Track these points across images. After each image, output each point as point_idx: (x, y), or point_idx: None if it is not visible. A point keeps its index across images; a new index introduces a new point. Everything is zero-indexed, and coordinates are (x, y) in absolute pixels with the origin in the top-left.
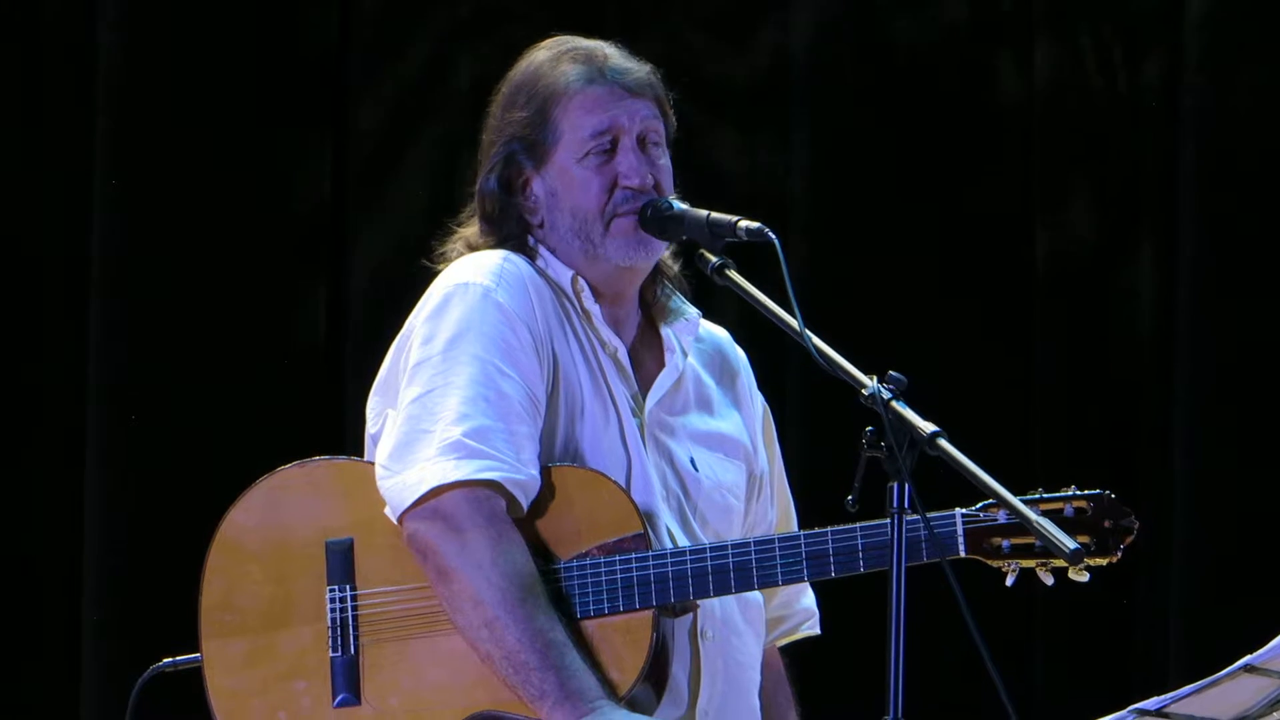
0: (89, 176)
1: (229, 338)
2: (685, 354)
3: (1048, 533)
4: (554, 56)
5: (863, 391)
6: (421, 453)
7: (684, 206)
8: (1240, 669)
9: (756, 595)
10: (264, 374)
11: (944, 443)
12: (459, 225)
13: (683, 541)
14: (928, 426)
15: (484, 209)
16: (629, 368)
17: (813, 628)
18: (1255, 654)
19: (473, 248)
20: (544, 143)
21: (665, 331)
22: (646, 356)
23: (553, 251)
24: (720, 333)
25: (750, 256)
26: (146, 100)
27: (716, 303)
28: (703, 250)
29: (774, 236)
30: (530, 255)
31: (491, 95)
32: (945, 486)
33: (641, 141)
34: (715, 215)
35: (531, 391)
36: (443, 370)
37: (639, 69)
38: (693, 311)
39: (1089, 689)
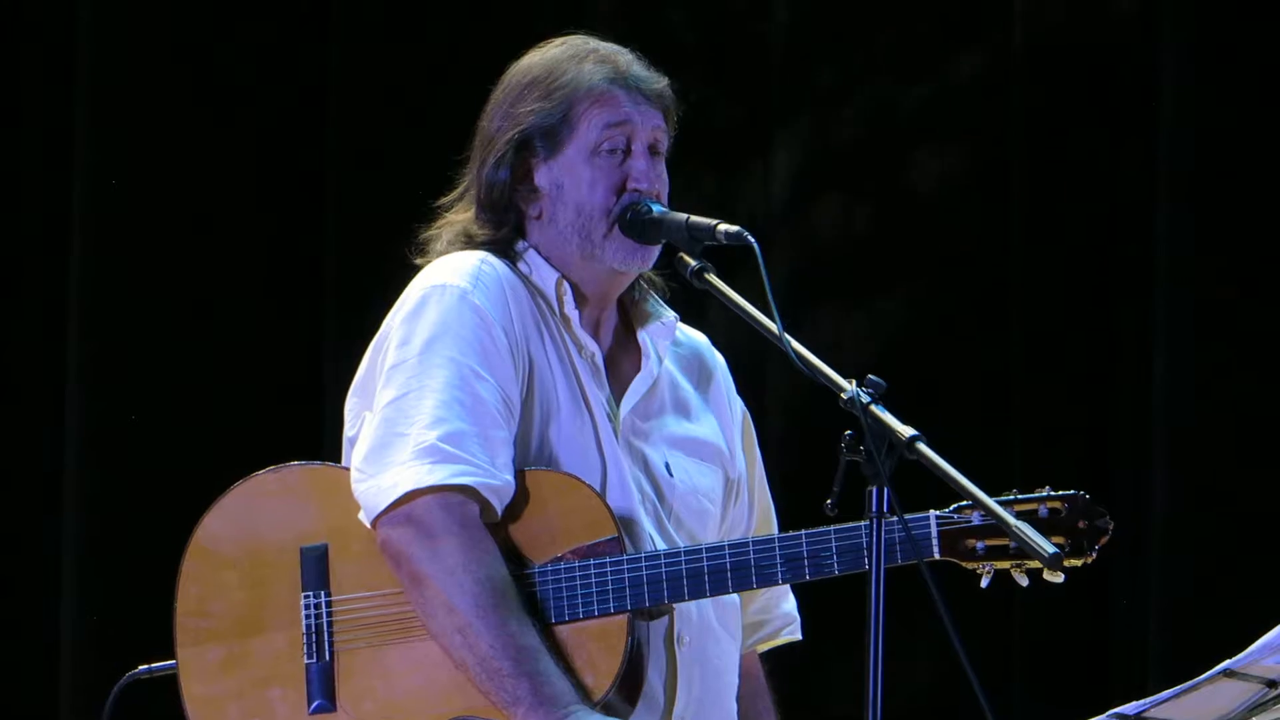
0: (69, 178)
1: (203, 344)
2: (660, 359)
3: (1026, 537)
4: (574, 54)
5: (841, 395)
6: (396, 456)
7: (663, 210)
8: (1220, 673)
9: (733, 598)
10: (241, 378)
11: (923, 446)
12: (445, 211)
13: (660, 546)
14: (906, 430)
15: (489, 197)
16: (604, 372)
17: (793, 633)
18: (1235, 658)
19: (469, 235)
20: (557, 134)
21: (641, 336)
22: (623, 360)
23: (543, 250)
24: (699, 337)
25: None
26: (136, 100)
27: (697, 306)
28: (682, 254)
29: (753, 240)
30: (513, 257)
31: (496, 88)
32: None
33: (651, 149)
34: (694, 219)
35: (507, 395)
36: (418, 373)
37: (658, 79)
38: (670, 314)
39: (1068, 694)
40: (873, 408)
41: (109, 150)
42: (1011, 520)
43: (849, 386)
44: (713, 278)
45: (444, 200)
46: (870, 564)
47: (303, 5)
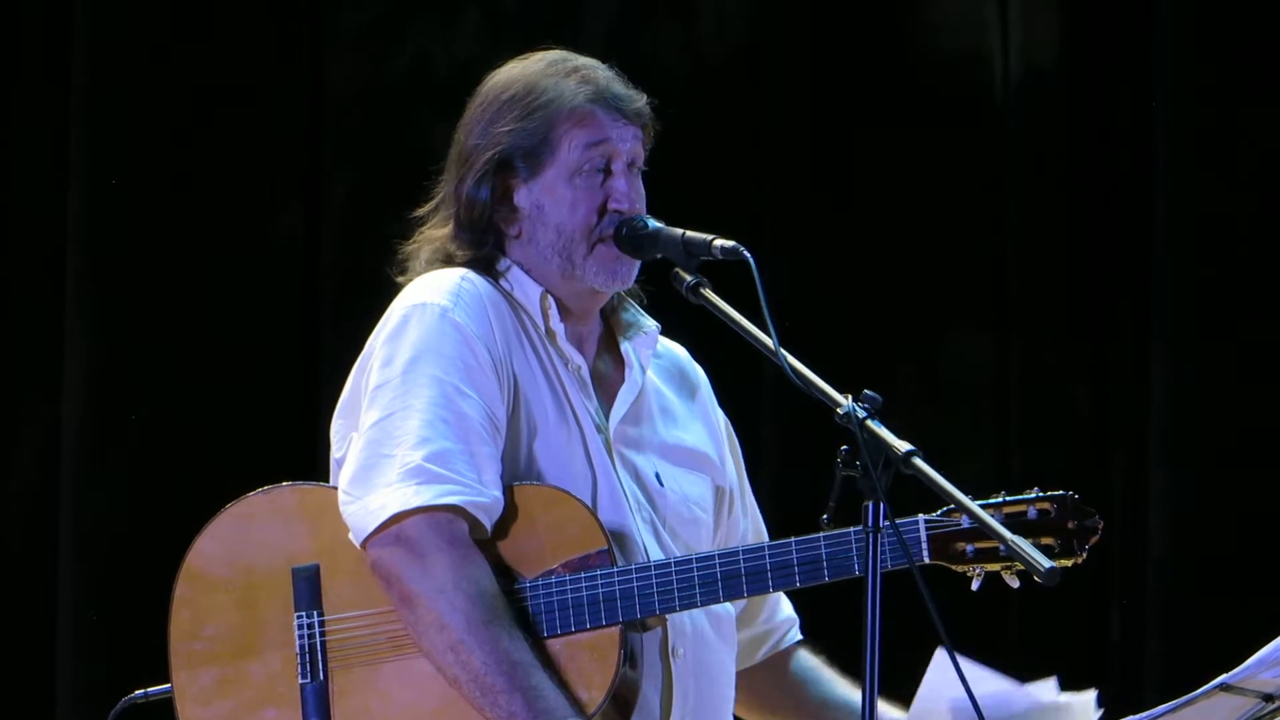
0: (63, 184)
1: (198, 363)
2: (644, 369)
3: (1024, 552)
4: (552, 70)
5: (838, 410)
6: (383, 477)
7: (658, 225)
8: (1216, 687)
9: (726, 607)
10: (235, 399)
11: (919, 461)
12: (422, 228)
13: (656, 556)
14: (902, 445)
15: (469, 215)
16: (590, 384)
17: (796, 634)
18: (1231, 673)
19: (449, 255)
20: (537, 155)
21: (624, 346)
22: (608, 372)
23: (524, 266)
24: (678, 349)
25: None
26: (135, 101)
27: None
28: (678, 269)
29: (749, 255)
30: (495, 274)
31: (473, 99)
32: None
33: (629, 166)
34: (690, 234)
35: (491, 412)
36: (402, 393)
37: (637, 96)
38: (650, 324)
39: None
40: (869, 423)
41: (107, 150)
42: (1008, 535)
43: (845, 401)
44: (709, 293)
45: (420, 211)
46: (868, 578)
47: (300, 5)
